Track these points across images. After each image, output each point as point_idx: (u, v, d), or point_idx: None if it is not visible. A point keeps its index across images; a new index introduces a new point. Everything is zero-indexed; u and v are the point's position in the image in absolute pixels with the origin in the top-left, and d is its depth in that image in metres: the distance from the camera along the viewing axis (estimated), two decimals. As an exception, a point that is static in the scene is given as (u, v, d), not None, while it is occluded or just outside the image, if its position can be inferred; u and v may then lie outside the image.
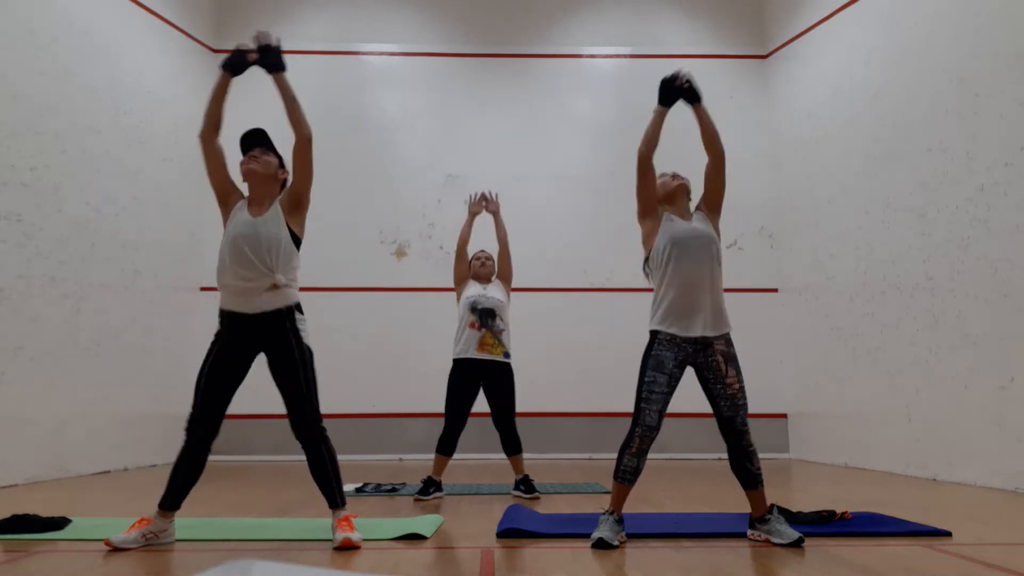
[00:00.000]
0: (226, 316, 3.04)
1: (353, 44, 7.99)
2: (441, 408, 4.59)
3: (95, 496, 4.64)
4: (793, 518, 3.36)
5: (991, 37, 5.09)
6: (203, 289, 7.31)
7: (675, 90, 3.35)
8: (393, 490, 4.75)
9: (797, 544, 2.93)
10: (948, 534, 3.14)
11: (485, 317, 4.60)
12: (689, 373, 3.11)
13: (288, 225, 3.09)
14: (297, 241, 3.14)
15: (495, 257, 4.95)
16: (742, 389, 3.06)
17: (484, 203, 5.05)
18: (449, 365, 4.68)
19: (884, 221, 6.07)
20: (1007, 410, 4.81)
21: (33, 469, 5.21)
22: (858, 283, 6.38)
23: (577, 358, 7.44)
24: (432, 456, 4.57)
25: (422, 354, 7.10)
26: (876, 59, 6.28)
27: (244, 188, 3.20)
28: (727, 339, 3.10)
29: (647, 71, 8.04)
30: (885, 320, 6.02)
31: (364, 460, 7.06)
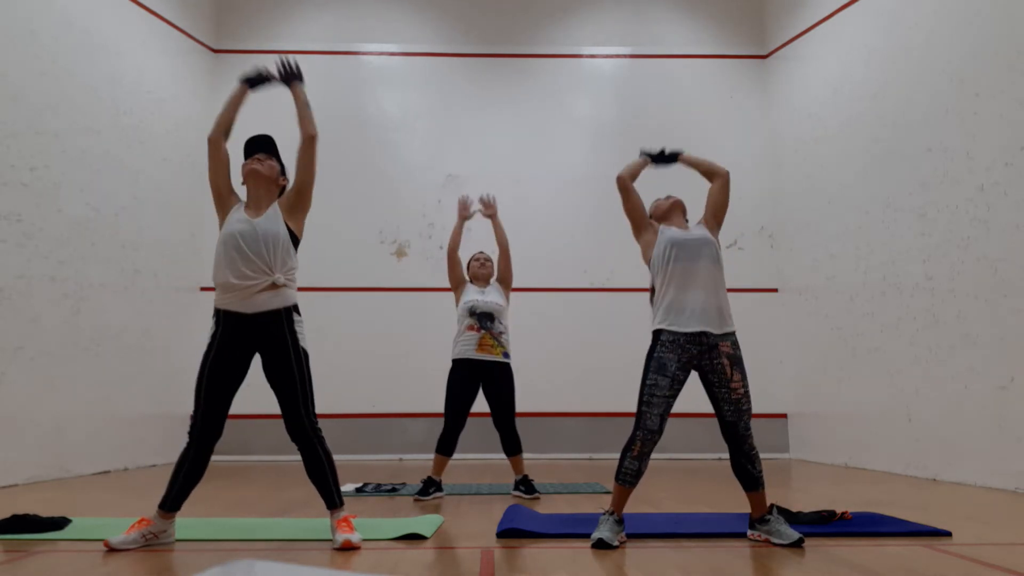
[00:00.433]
0: (222, 315, 3.03)
1: (353, 44, 7.99)
2: (441, 408, 4.59)
3: (95, 496, 4.63)
4: (793, 518, 3.36)
5: (991, 37, 5.09)
6: (203, 289, 7.31)
7: (654, 157, 3.50)
8: (393, 490, 4.75)
9: (797, 544, 2.93)
10: (948, 534, 3.14)
11: (484, 320, 4.60)
12: (694, 376, 3.11)
13: (287, 224, 3.10)
14: (295, 241, 3.14)
15: (495, 259, 4.92)
16: (747, 394, 3.05)
17: (482, 207, 4.97)
18: (449, 364, 4.68)
19: (884, 221, 6.07)
20: (1007, 410, 4.81)
21: (33, 469, 5.21)
22: (858, 283, 6.38)
23: (577, 358, 7.44)
24: (432, 456, 4.57)
25: (422, 354, 7.10)
26: (876, 59, 6.29)
27: (242, 192, 3.20)
28: (733, 341, 3.09)
29: (647, 71, 8.06)
30: (885, 320, 6.02)
31: (364, 460, 7.06)
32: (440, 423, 4.57)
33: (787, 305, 7.54)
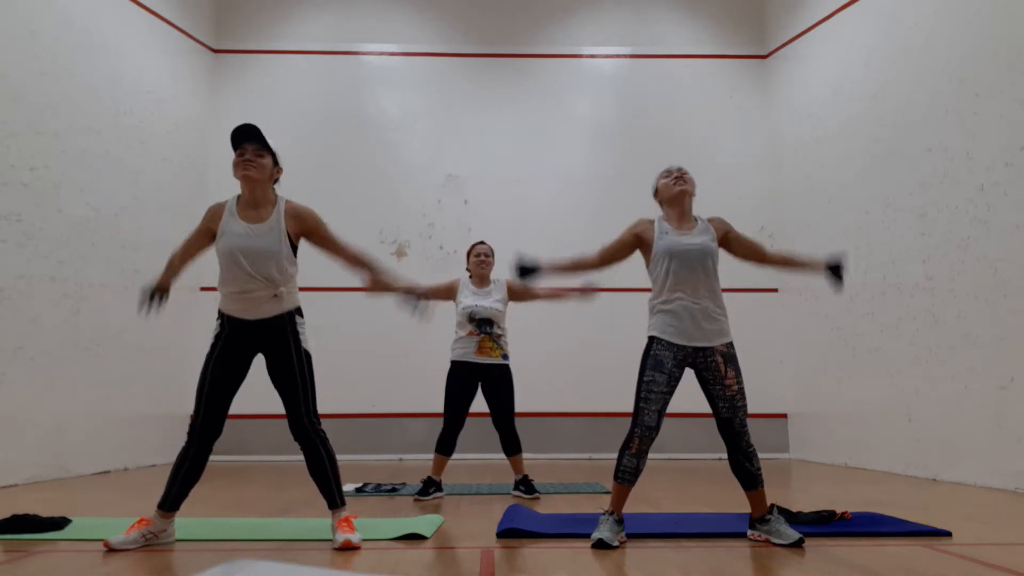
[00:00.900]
0: (226, 319, 3.05)
1: (353, 44, 7.99)
2: (441, 408, 4.59)
3: (95, 496, 4.63)
4: (793, 518, 3.36)
5: (991, 37, 5.09)
6: (203, 289, 7.31)
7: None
8: (393, 490, 4.75)
9: (797, 544, 2.93)
10: (948, 534, 3.14)
11: (483, 325, 4.58)
12: (689, 373, 3.11)
13: (290, 233, 3.05)
14: (295, 247, 3.11)
15: (496, 256, 4.84)
16: (741, 391, 3.06)
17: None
18: (448, 364, 4.68)
19: (884, 221, 6.07)
20: (1007, 410, 4.81)
21: (33, 469, 5.21)
22: (858, 283, 6.38)
23: (577, 358, 7.44)
24: (432, 456, 4.57)
25: (422, 354, 7.09)
26: (876, 59, 6.29)
27: (226, 187, 3.15)
28: (728, 342, 3.10)
29: (647, 71, 8.06)
30: (885, 320, 6.02)
31: (364, 460, 7.06)
32: (440, 423, 4.57)
33: (787, 305, 7.54)
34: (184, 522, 3.25)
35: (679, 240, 3.14)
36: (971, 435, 5.07)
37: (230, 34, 7.90)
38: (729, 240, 3.26)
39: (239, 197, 3.10)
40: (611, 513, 3.02)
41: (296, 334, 3.05)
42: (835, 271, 3.24)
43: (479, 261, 4.76)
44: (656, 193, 3.34)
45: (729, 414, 3.03)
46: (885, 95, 6.14)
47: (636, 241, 3.24)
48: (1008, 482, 4.73)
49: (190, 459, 3.00)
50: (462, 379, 4.57)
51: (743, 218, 7.74)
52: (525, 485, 4.51)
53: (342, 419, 7.05)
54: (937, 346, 5.44)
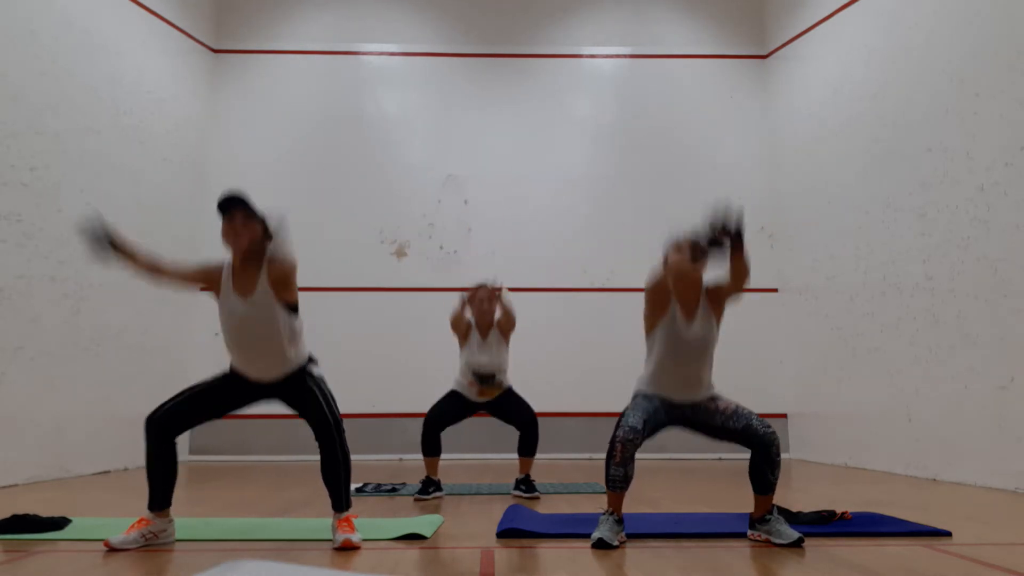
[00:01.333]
0: (236, 372, 3.08)
1: (353, 44, 7.99)
2: (440, 408, 4.61)
3: (95, 496, 4.64)
4: (793, 518, 3.36)
5: (991, 37, 5.09)
6: (203, 289, 7.30)
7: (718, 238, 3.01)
8: (393, 490, 4.75)
9: (797, 544, 2.93)
10: (948, 534, 3.14)
11: (486, 379, 4.55)
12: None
13: (280, 298, 2.99)
14: (294, 307, 3.06)
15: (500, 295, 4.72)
16: (737, 406, 3.08)
17: (486, 303, 4.65)
18: (448, 364, 4.68)
19: (884, 221, 6.07)
20: (1007, 410, 4.81)
21: (33, 469, 5.21)
22: (858, 283, 6.38)
23: (577, 358, 7.44)
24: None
25: (422, 354, 7.10)
26: (876, 59, 6.29)
27: (212, 241, 3.13)
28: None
29: (647, 71, 8.06)
30: (885, 320, 6.02)
31: (364, 460, 7.05)
32: None
33: (787, 305, 7.54)
34: (184, 522, 3.25)
35: (681, 333, 3.07)
36: (971, 435, 5.07)
37: (230, 34, 7.90)
38: (716, 301, 3.17)
39: (232, 263, 3.05)
40: (611, 513, 3.01)
41: (317, 384, 3.07)
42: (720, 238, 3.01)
43: (482, 310, 4.66)
44: (665, 264, 3.17)
45: (744, 422, 3.00)
46: (885, 95, 6.14)
47: (666, 294, 3.11)
48: (1008, 482, 4.73)
49: (155, 455, 2.96)
50: (457, 405, 4.60)
51: (743, 218, 7.76)
52: (525, 485, 4.52)
53: (342, 419, 7.04)
54: (937, 346, 5.44)
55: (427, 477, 4.47)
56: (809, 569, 2.57)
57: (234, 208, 2.96)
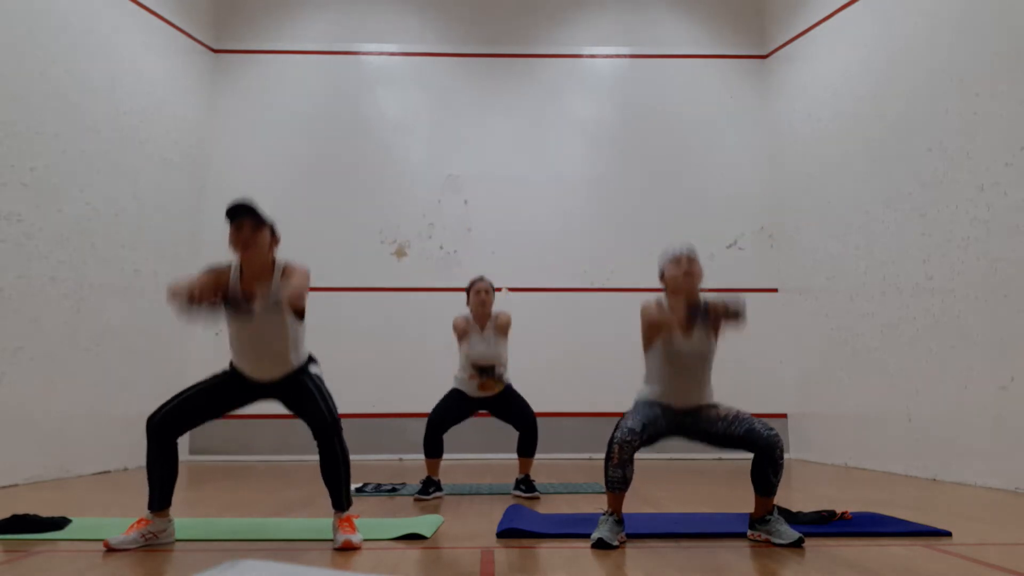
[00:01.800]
0: (237, 372, 3.09)
1: (353, 44, 7.99)
2: (439, 409, 4.61)
3: (95, 496, 4.63)
4: (793, 518, 3.36)
5: (991, 37, 5.09)
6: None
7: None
8: (393, 490, 4.75)
9: (797, 544, 2.93)
10: (948, 534, 3.14)
11: (486, 372, 4.57)
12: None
13: (294, 306, 3.04)
14: (302, 314, 3.12)
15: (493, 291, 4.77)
16: (738, 411, 3.08)
17: (483, 294, 4.67)
18: (448, 364, 4.68)
19: (884, 221, 6.07)
20: (1007, 410, 4.81)
21: (33, 469, 5.21)
22: (858, 283, 6.38)
23: (577, 358, 7.43)
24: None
25: (422, 354, 7.10)
26: (876, 59, 6.29)
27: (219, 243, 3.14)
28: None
29: (647, 71, 8.06)
30: (885, 320, 6.02)
31: (364, 460, 7.05)
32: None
33: (787, 305, 7.54)
34: (184, 522, 3.25)
35: (679, 348, 3.08)
36: (971, 435, 5.07)
37: (230, 34, 7.90)
38: (714, 321, 3.04)
39: (240, 269, 3.04)
40: (611, 513, 3.01)
41: (315, 382, 3.08)
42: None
43: (480, 301, 4.68)
44: (662, 278, 3.19)
45: (745, 426, 3.00)
46: (885, 95, 6.14)
47: (657, 327, 3.09)
48: (1008, 482, 4.73)
49: (156, 457, 2.97)
50: (459, 403, 4.60)
51: (743, 218, 7.78)
52: (525, 485, 4.52)
53: (342, 419, 7.03)
54: (937, 346, 5.44)
55: (427, 477, 4.48)
56: (809, 569, 2.57)
57: (243, 216, 2.95)
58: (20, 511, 3.41)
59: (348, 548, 2.84)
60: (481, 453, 6.84)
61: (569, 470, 6.21)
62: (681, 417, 3.11)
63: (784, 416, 7.47)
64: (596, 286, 7.64)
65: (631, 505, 3.61)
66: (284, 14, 7.98)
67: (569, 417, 7.35)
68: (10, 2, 5.29)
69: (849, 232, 6.53)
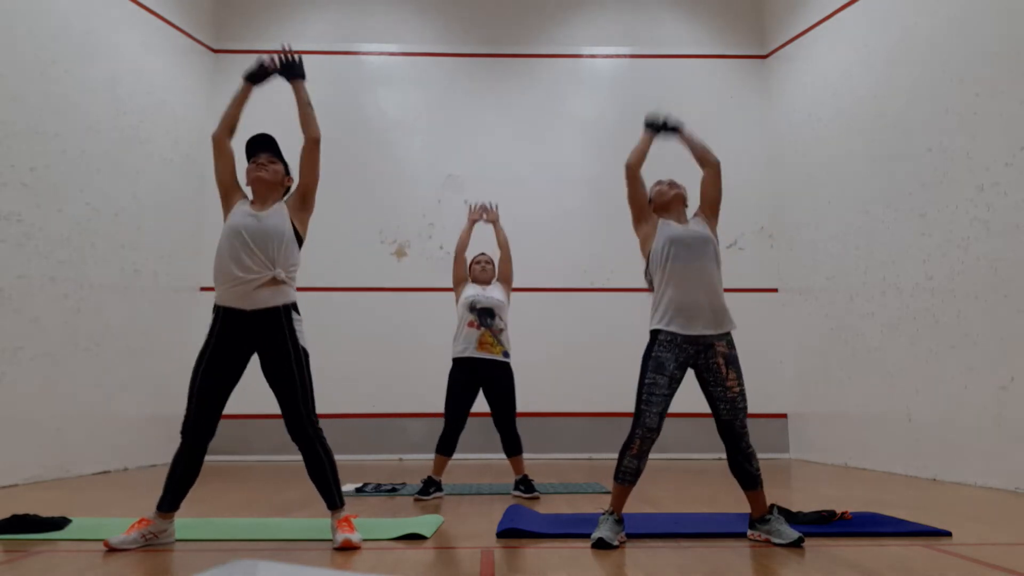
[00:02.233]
0: (222, 312, 3.02)
1: (353, 44, 7.99)
2: (441, 408, 4.59)
3: (95, 496, 4.63)
4: (793, 518, 3.36)
5: (991, 37, 5.09)
6: (203, 289, 7.31)
7: (658, 127, 3.45)
8: (393, 490, 4.75)
9: (797, 544, 2.93)
10: (948, 534, 3.14)
11: (484, 316, 4.61)
12: (690, 375, 3.11)
13: (292, 222, 3.12)
14: (299, 240, 3.16)
15: (496, 261, 4.96)
16: (742, 393, 3.06)
17: (483, 213, 5.08)
18: (449, 364, 4.68)
19: (884, 221, 6.07)
20: (1007, 410, 4.81)
21: (33, 469, 5.21)
22: (858, 283, 6.38)
23: (577, 358, 7.43)
24: (432, 456, 4.58)
25: (422, 354, 7.10)
26: (876, 59, 6.29)
27: (247, 190, 3.22)
28: (729, 340, 3.10)
29: (647, 71, 8.06)
30: (885, 320, 6.02)
31: (364, 460, 7.06)
32: (440, 423, 4.57)
33: (787, 305, 7.54)
34: (184, 522, 3.25)
35: (681, 230, 3.18)
36: (971, 435, 5.07)
37: (230, 34, 7.90)
38: (704, 211, 3.33)
39: (251, 199, 3.19)
40: (611, 513, 3.02)
41: (292, 331, 3.03)
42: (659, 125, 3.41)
43: (481, 268, 4.85)
44: (651, 203, 3.36)
45: (730, 416, 3.02)
46: (885, 95, 6.14)
47: (648, 206, 3.31)
48: (1008, 482, 4.74)
49: (184, 459, 2.99)
50: (464, 378, 4.57)
51: (743, 218, 7.78)
52: (525, 485, 4.52)
53: (342, 419, 7.05)
54: (937, 346, 5.44)
55: (428, 477, 4.48)
56: (809, 569, 2.57)
57: (262, 149, 3.17)
58: (20, 511, 3.41)
59: (348, 548, 2.84)
60: (481, 453, 6.84)
61: (569, 470, 6.21)
62: (695, 348, 3.03)
63: (784, 416, 7.47)
64: (596, 286, 7.64)
65: (631, 505, 3.61)
66: (284, 14, 7.98)
67: (569, 417, 7.35)
68: (10, 2, 5.29)
69: (849, 232, 6.53)
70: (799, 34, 7.44)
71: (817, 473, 6.09)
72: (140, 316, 6.43)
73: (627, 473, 3.01)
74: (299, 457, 3.07)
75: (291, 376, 2.99)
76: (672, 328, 3.04)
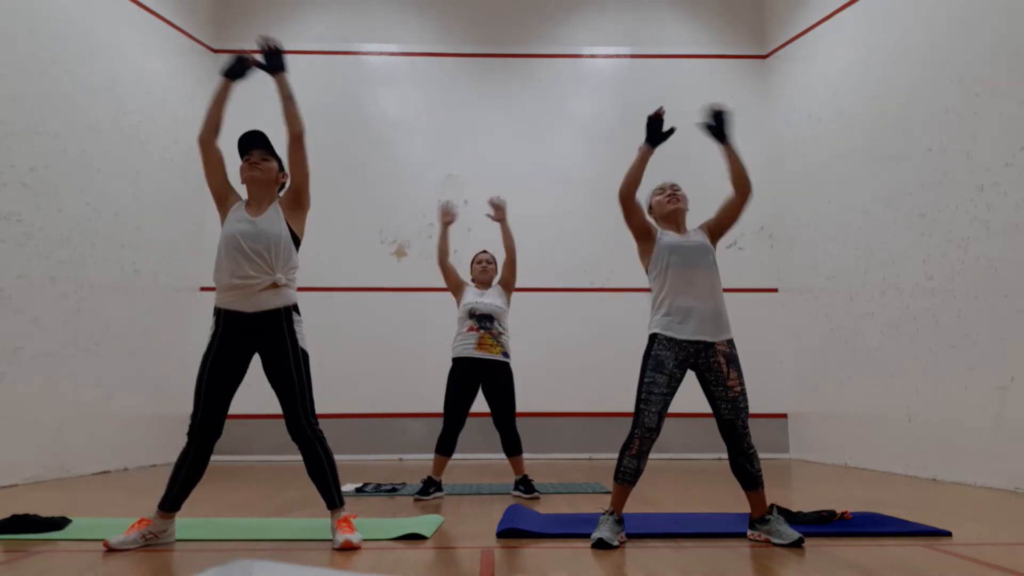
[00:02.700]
0: (222, 315, 3.03)
1: (353, 44, 7.99)
2: (441, 408, 4.60)
3: (95, 496, 4.63)
4: (793, 518, 3.36)
5: (991, 37, 5.09)
6: (203, 289, 7.31)
7: (661, 131, 3.35)
8: (393, 490, 4.75)
9: (797, 544, 2.93)
10: (948, 534, 3.14)
11: (483, 321, 4.60)
12: (690, 375, 3.11)
13: (288, 224, 3.10)
14: (297, 241, 3.15)
15: (498, 262, 4.92)
16: (743, 392, 3.06)
17: (492, 210, 5.03)
18: (449, 364, 4.68)
19: (884, 221, 6.07)
20: (1007, 410, 4.81)
21: (33, 469, 5.21)
22: (858, 283, 6.38)
23: (577, 358, 7.43)
24: (432, 456, 4.58)
25: (422, 354, 7.10)
26: (876, 59, 6.29)
27: (242, 190, 3.20)
28: (729, 340, 3.10)
29: (647, 71, 8.06)
30: (885, 320, 6.02)
31: (364, 460, 7.06)
32: (440, 423, 4.57)
33: (787, 305, 7.54)
34: (184, 522, 3.25)
35: (679, 239, 3.18)
36: (971, 435, 5.07)
37: (230, 34, 7.90)
38: (712, 227, 3.30)
39: (246, 200, 3.15)
40: (611, 513, 3.02)
41: (293, 332, 3.04)
42: (716, 123, 3.30)
43: (481, 268, 4.84)
44: (650, 210, 3.36)
45: (731, 416, 3.02)
46: (885, 95, 6.14)
47: (648, 227, 3.26)
48: (1008, 482, 4.74)
49: (190, 460, 2.99)
50: (463, 378, 4.57)
51: (743, 218, 7.74)
52: (525, 485, 4.51)
53: (342, 419, 7.05)
54: (937, 346, 5.44)
55: (428, 477, 4.47)
56: (809, 569, 2.57)
57: (254, 146, 3.11)
58: (20, 511, 3.41)
59: (348, 548, 2.84)
60: (481, 453, 6.84)
61: (569, 470, 6.21)
62: (695, 354, 3.03)
63: (784, 416, 7.47)
64: (596, 286, 7.64)
65: (631, 505, 3.61)
66: (284, 14, 7.98)
67: (569, 417, 7.35)
68: (10, 2, 5.29)
69: (849, 232, 6.53)
70: (799, 34, 7.44)
71: (817, 473, 6.09)
72: (140, 316, 6.43)
73: (627, 473, 3.01)
74: (299, 457, 3.07)
75: (291, 377, 3.00)
76: (670, 333, 3.05)
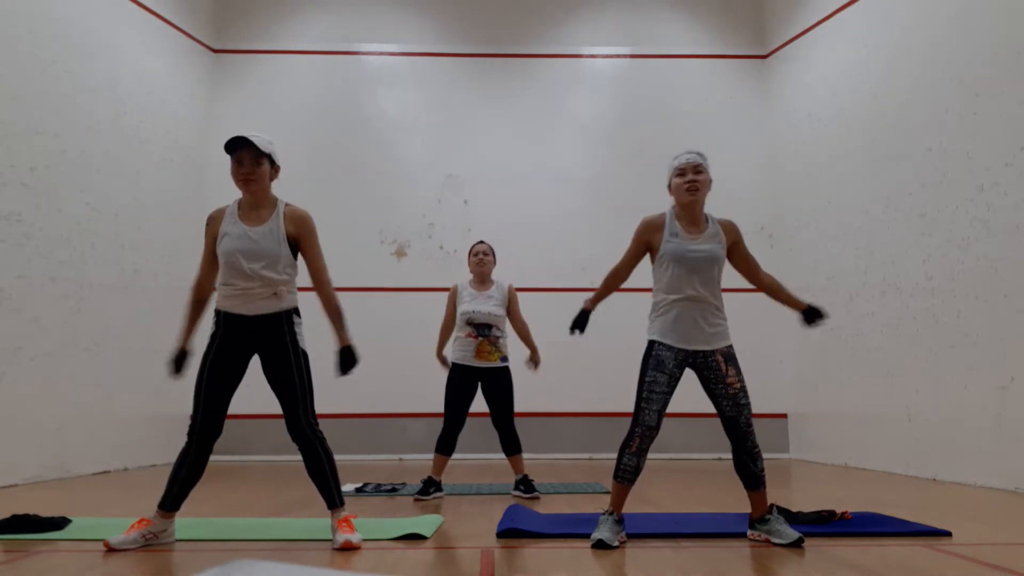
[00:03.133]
0: (223, 316, 3.04)
1: (353, 44, 7.99)
2: (441, 408, 4.60)
3: (95, 496, 4.63)
4: (793, 518, 3.36)
5: (991, 37, 5.09)
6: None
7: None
8: (393, 490, 4.75)
9: (797, 544, 2.93)
10: (948, 534, 3.14)
11: (481, 328, 4.60)
12: (691, 376, 3.11)
13: (290, 237, 3.07)
14: (295, 250, 3.13)
15: (494, 252, 4.89)
16: (744, 389, 3.05)
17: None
18: (448, 365, 4.69)
19: (884, 221, 6.07)
20: (1007, 410, 4.81)
21: (33, 469, 5.21)
22: (858, 283, 6.38)
23: (577, 358, 7.41)
24: (432, 456, 4.58)
25: (422, 354, 7.05)
26: (876, 59, 6.29)
27: (235, 191, 3.12)
28: (727, 346, 3.11)
29: (647, 71, 8.06)
30: (885, 320, 6.02)
31: (364, 460, 7.06)
32: (440, 423, 4.58)
33: (787, 305, 7.53)
34: (184, 522, 3.25)
35: (686, 246, 3.11)
36: (971, 435, 5.07)
37: (230, 34, 7.90)
38: (734, 251, 3.24)
39: (240, 201, 3.12)
40: (611, 513, 3.02)
41: (293, 334, 3.06)
42: (813, 317, 3.27)
43: (478, 260, 4.80)
44: (669, 187, 3.26)
45: (734, 412, 3.02)
46: (885, 95, 6.14)
47: (646, 248, 3.26)
48: (1008, 482, 4.74)
49: (190, 460, 2.99)
50: (461, 381, 4.58)
51: (743, 218, 7.68)
52: (525, 485, 4.52)
53: (342, 419, 7.05)
54: (937, 346, 5.44)
55: (428, 477, 4.48)
56: (809, 569, 2.57)
57: (241, 149, 3.00)
58: (20, 511, 3.41)
59: (348, 548, 2.84)
60: (481, 453, 6.83)
61: (569, 470, 6.21)
62: (694, 357, 3.04)
63: (784, 416, 7.47)
64: (596, 286, 7.60)
65: (631, 505, 3.61)
66: (284, 14, 7.98)
67: (569, 417, 7.35)
68: (10, 2, 5.29)
69: (849, 232, 6.52)
70: (799, 34, 7.43)
71: (817, 473, 6.09)
72: (140, 316, 6.43)
73: (626, 471, 3.01)
74: (299, 457, 3.07)
75: (291, 378, 3.01)
76: (668, 342, 3.06)
